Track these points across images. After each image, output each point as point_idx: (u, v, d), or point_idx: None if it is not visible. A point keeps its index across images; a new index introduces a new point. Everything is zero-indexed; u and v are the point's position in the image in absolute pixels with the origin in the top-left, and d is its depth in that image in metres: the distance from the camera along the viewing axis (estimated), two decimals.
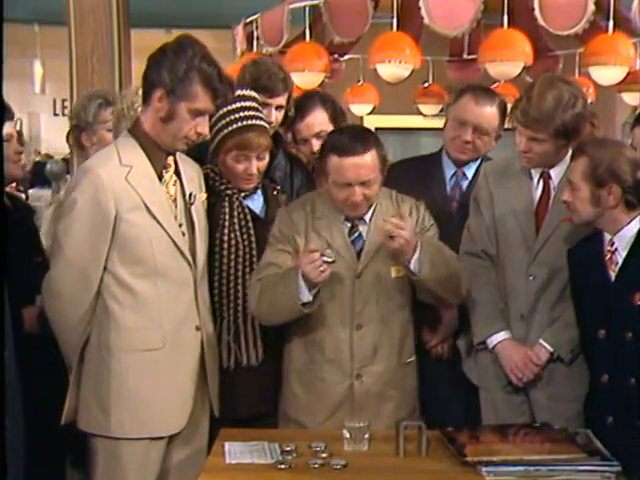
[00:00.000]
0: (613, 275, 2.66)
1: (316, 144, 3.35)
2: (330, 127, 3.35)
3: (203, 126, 2.65)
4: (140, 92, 3.06)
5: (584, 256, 2.76)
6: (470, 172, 3.32)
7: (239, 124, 2.84)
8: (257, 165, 2.87)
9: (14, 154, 3.13)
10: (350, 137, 2.76)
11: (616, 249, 2.67)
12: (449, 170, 3.33)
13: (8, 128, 3.11)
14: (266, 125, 2.94)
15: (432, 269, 2.70)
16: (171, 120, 2.61)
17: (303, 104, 3.42)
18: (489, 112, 3.22)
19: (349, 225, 2.85)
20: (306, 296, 2.68)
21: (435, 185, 3.28)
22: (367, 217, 2.85)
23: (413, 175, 3.25)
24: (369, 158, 2.72)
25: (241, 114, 2.85)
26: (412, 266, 2.70)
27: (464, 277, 2.84)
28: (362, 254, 2.82)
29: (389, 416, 2.77)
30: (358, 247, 2.83)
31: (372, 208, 2.84)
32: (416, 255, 2.68)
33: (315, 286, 2.68)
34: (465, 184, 3.30)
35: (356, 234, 2.84)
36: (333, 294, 2.80)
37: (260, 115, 2.92)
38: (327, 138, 2.92)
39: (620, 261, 2.65)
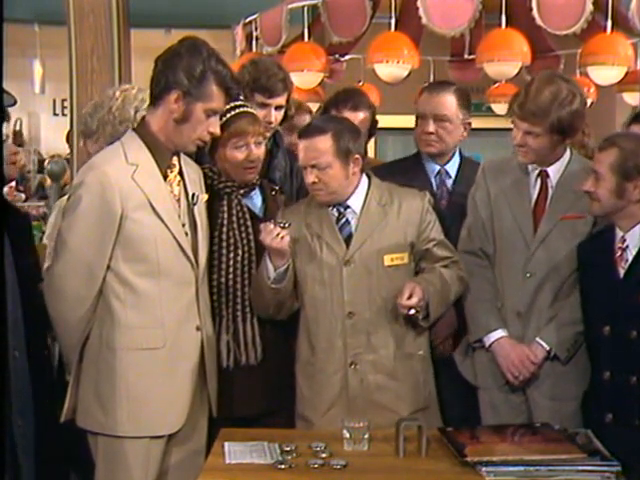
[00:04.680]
0: (622, 272, 2.66)
1: None
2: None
3: (215, 126, 2.67)
4: (117, 93, 3.04)
5: (594, 251, 2.76)
6: (453, 170, 3.35)
7: (232, 113, 2.87)
8: (256, 152, 2.89)
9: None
10: (314, 121, 2.90)
11: (627, 246, 2.67)
12: (432, 169, 3.35)
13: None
14: (255, 112, 2.98)
15: (437, 313, 2.85)
16: (186, 121, 2.61)
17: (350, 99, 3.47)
18: (443, 99, 3.30)
19: (336, 213, 2.87)
20: (272, 272, 2.75)
21: (420, 186, 3.27)
22: (356, 206, 2.86)
23: (397, 177, 3.18)
24: (320, 142, 2.77)
25: (231, 104, 2.86)
26: (423, 323, 2.85)
27: (462, 288, 2.95)
28: (351, 241, 2.83)
29: (389, 408, 2.76)
30: (346, 234, 2.85)
31: (364, 196, 2.86)
32: (430, 315, 2.82)
33: (282, 259, 2.75)
34: (449, 182, 3.33)
35: (343, 221, 2.86)
36: (323, 282, 2.82)
37: (247, 104, 2.98)
38: None
39: (630, 259, 2.65)
